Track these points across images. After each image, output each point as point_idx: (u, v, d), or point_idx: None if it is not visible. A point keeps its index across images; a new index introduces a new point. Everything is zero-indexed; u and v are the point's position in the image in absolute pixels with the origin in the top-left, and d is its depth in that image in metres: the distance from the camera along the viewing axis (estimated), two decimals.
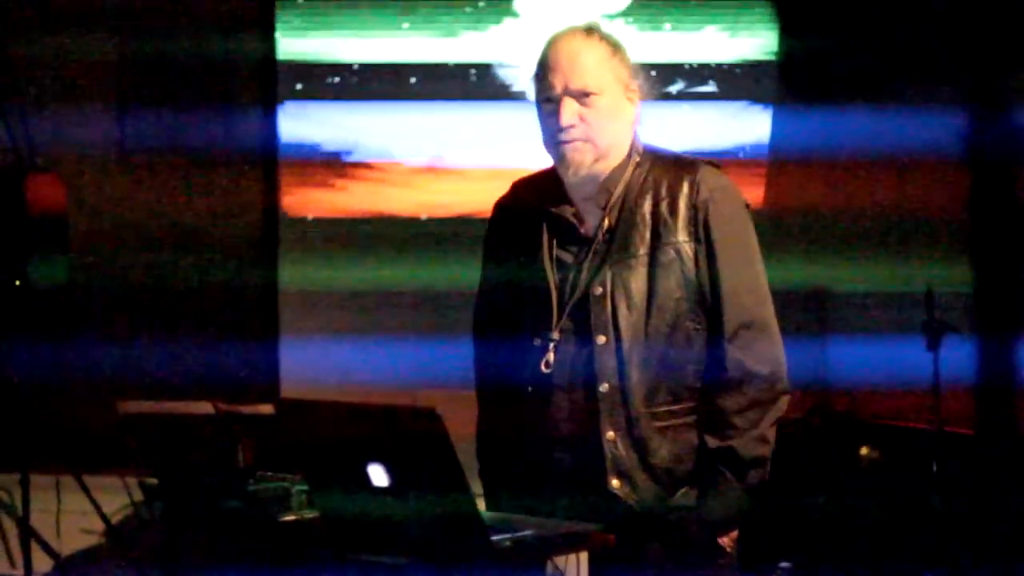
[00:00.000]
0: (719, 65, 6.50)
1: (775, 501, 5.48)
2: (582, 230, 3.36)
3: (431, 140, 6.60)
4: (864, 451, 5.92)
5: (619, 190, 3.33)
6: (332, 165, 6.65)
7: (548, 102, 3.32)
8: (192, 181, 6.65)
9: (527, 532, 3.06)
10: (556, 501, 3.26)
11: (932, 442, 5.66)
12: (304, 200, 6.65)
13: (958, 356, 5.89)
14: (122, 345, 6.52)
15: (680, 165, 3.36)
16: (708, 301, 3.27)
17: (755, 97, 6.52)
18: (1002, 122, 6.46)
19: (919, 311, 5.82)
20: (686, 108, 6.53)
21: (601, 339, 3.27)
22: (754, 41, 6.53)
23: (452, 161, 6.60)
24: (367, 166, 6.65)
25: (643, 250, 3.29)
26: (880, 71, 6.44)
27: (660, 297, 3.26)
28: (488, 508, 3.42)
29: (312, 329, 6.59)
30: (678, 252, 3.28)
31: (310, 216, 6.65)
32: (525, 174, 3.55)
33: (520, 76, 6.55)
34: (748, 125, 6.52)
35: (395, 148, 6.63)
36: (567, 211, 3.36)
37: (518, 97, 6.52)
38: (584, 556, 3.20)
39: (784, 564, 3.32)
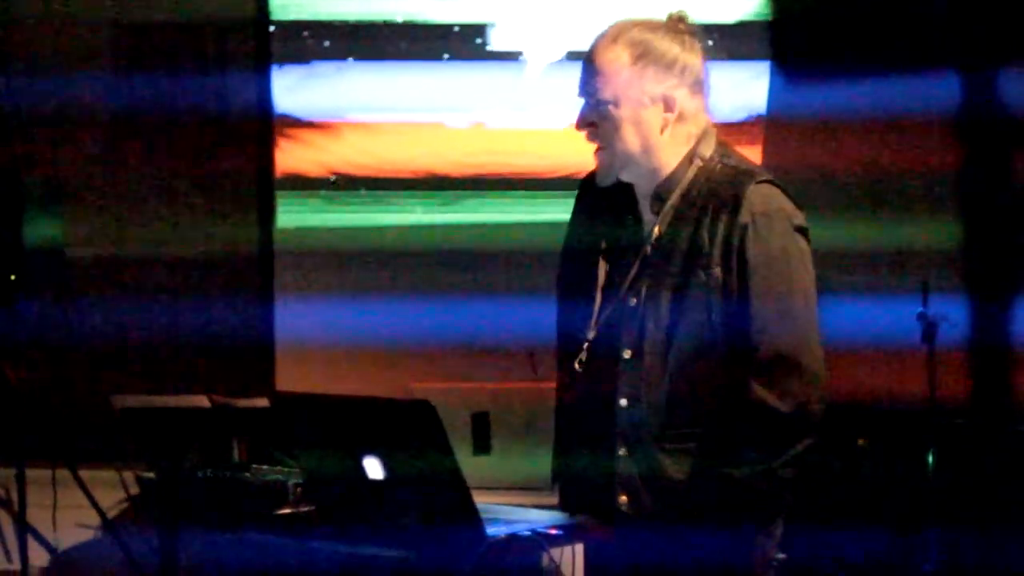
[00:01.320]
0: (712, 25, 6.48)
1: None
2: (637, 232, 3.29)
3: (426, 100, 6.58)
4: (861, 442, 5.91)
5: (673, 198, 3.25)
6: (326, 126, 6.63)
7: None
8: (185, 144, 6.63)
9: (523, 525, 3.05)
10: (573, 504, 3.24)
11: (928, 430, 5.66)
12: (298, 161, 6.64)
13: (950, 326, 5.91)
14: (115, 308, 6.51)
15: (734, 180, 3.23)
16: (737, 330, 3.17)
17: (750, 57, 6.51)
18: (996, 82, 6.46)
19: (914, 273, 5.84)
20: None
21: (627, 353, 3.21)
22: (747, 1, 6.52)
23: (447, 121, 6.58)
24: (362, 126, 6.64)
25: (679, 269, 3.20)
26: (873, 31, 6.43)
27: (687, 320, 3.17)
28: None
29: (308, 288, 6.60)
30: (709, 277, 3.17)
31: (304, 176, 6.63)
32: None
33: (516, 36, 6.55)
34: (745, 86, 6.51)
35: (390, 108, 6.62)
36: (627, 216, 3.29)
37: (514, 57, 6.53)
38: (580, 548, 3.20)
39: (780, 555, 3.33)
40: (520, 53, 6.54)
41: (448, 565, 2.95)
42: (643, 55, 3.22)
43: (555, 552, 3.07)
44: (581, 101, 3.26)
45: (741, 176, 3.23)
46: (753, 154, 6.43)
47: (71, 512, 5.67)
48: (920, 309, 5.76)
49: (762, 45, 6.53)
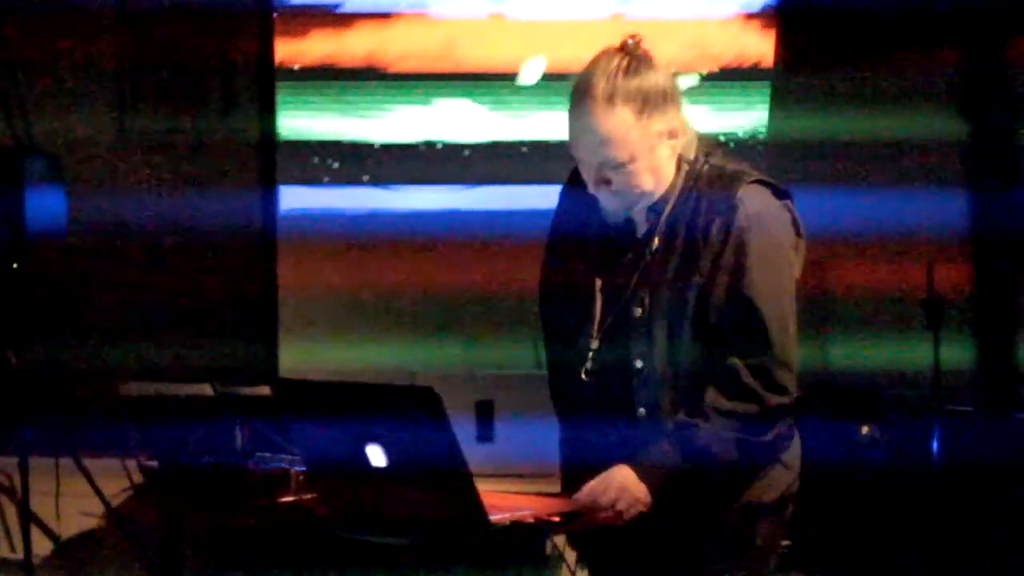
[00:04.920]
0: None
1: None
2: (635, 242, 3.31)
3: None
4: (865, 430, 5.91)
5: (668, 209, 3.28)
6: (327, 15, 6.56)
7: (580, 159, 3.27)
8: (184, 32, 6.58)
9: (526, 511, 3.05)
10: None
11: (933, 419, 5.66)
12: (299, 50, 6.56)
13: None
14: (115, 201, 6.49)
15: (723, 184, 3.27)
16: (735, 328, 3.22)
17: None
18: None
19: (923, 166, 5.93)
20: None
21: (638, 363, 3.26)
22: None
23: (445, 12, 6.51)
24: (362, 17, 6.56)
25: (680, 276, 3.24)
26: None
27: (692, 325, 3.23)
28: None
29: (309, 180, 6.54)
30: (712, 280, 3.22)
31: (304, 67, 6.56)
32: None
33: None
34: None
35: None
36: (625, 232, 3.31)
37: None
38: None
39: (784, 541, 3.34)
40: None
41: (451, 552, 2.95)
42: (643, 104, 3.21)
43: (558, 538, 3.07)
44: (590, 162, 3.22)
45: (730, 177, 3.26)
46: (767, 43, 6.39)
47: (74, 500, 5.67)
48: (925, 296, 5.76)
49: None
